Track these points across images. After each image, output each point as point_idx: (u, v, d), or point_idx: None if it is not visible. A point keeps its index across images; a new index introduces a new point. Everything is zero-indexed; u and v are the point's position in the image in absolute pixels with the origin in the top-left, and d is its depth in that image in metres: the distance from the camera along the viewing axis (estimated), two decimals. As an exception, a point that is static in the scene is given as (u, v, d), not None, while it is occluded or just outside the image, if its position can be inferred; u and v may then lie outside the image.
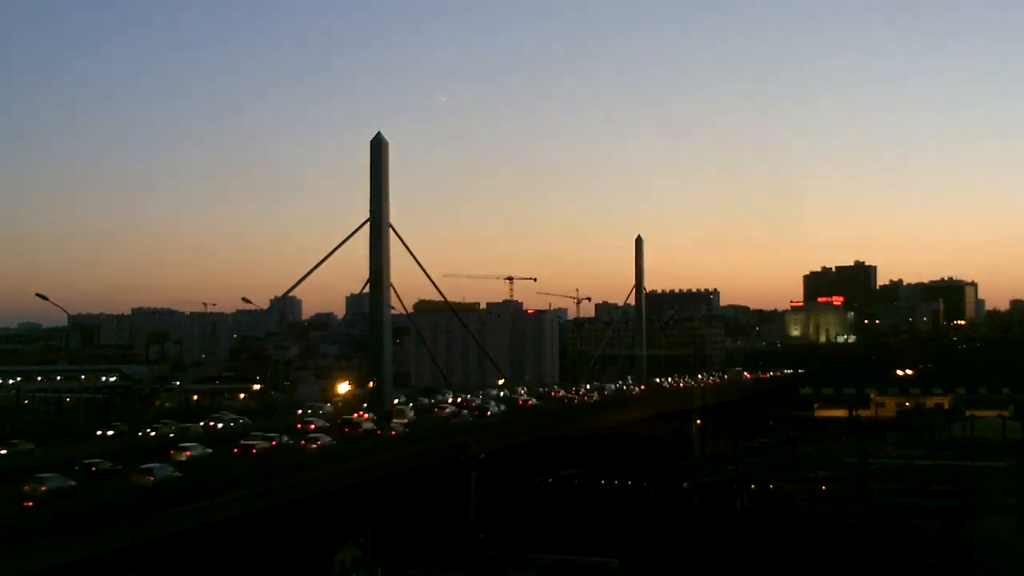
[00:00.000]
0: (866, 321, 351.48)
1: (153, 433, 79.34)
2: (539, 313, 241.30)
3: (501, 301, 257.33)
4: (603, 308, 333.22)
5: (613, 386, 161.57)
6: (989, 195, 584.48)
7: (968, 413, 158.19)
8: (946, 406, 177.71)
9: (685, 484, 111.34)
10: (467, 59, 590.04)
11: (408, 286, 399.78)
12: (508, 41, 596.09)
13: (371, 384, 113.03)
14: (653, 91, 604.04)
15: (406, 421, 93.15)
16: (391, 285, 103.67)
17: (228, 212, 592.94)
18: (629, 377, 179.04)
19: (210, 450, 66.61)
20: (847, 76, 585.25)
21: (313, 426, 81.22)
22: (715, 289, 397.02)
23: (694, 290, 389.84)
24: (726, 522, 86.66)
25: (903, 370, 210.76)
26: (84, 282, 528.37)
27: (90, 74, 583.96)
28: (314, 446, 71.48)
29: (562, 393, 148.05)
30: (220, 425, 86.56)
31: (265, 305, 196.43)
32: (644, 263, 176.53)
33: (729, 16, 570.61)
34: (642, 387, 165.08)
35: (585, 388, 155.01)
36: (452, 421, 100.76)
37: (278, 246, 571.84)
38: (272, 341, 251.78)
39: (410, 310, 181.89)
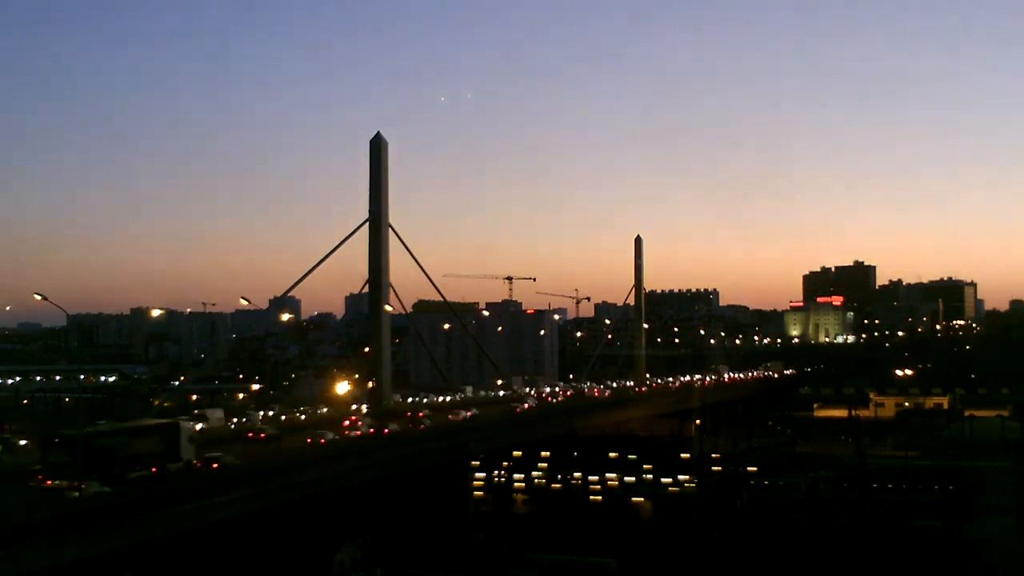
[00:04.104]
0: (866, 321, 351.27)
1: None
2: (539, 313, 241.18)
3: (501, 301, 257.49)
4: (603, 308, 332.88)
5: (612, 384, 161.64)
6: (989, 195, 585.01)
7: (967, 413, 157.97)
8: (945, 406, 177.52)
9: (685, 484, 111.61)
10: (467, 59, 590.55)
11: (407, 286, 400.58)
12: (508, 41, 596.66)
13: (370, 384, 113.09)
14: (653, 91, 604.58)
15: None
16: (390, 285, 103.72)
17: (228, 212, 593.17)
18: (628, 380, 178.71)
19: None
20: (847, 76, 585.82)
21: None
22: (715, 289, 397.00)
23: (694, 290, 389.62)
24: (726, 522, 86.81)
25: (902, 370, 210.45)
26: (83, 282, 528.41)
27: (90, 74, 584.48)
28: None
29: (561, 391, 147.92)
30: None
31: (265, 305, 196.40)
32: (644, 263, 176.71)
33: (729, 17, 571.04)
34: (642, 388, 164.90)
35: (584, 387, 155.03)
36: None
37: (278, 246, 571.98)
38: (271, 341, 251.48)
39: (409, 310, 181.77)
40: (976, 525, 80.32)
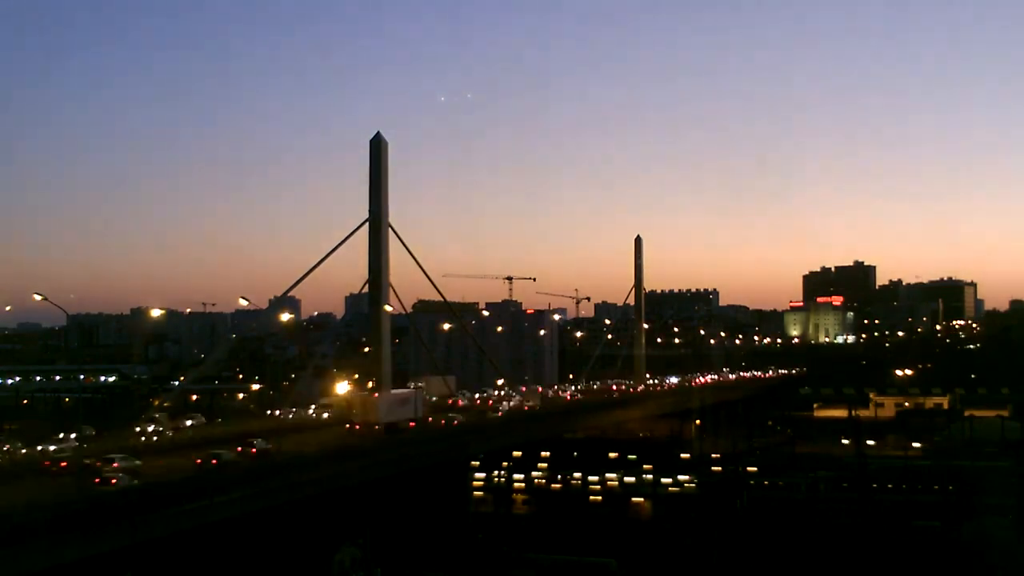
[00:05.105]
0: (866, 321, 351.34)
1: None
2: (539, 313, 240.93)
3: (501, 301, 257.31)
4: (602, 308, 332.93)
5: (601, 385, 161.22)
6: (989, 195, 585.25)
7: (967, 413, 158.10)
8: (945, 406, 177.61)
9: (685, 484, 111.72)
10: (467, 59, 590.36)
11: (407, 286, 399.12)
12: (508, 41, 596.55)
13: (370, 384, 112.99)
14: (653, 91, 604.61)
15: None
16: (390, 285, 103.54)
17: (228, 212, 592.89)
18: (616, 378, 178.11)
19: None
20: (847, 76, 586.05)
21: None
22: (715, 289, 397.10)
23: (694, 290, 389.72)
24: (726, 522, 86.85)
25: (902, 370, 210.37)
26: (84, 282, 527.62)
27: (90, 73, 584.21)
28: None
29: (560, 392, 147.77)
30: None
31: (265, 305, 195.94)
32: (644, 263, 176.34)
33: (729, 17, 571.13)
34: (640, 388, 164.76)
35: (583, 387, 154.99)
36: None
37: (278, 246, 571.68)
38: (271, 341, 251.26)
39: (409, 310, 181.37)
40: (976, 525, 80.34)
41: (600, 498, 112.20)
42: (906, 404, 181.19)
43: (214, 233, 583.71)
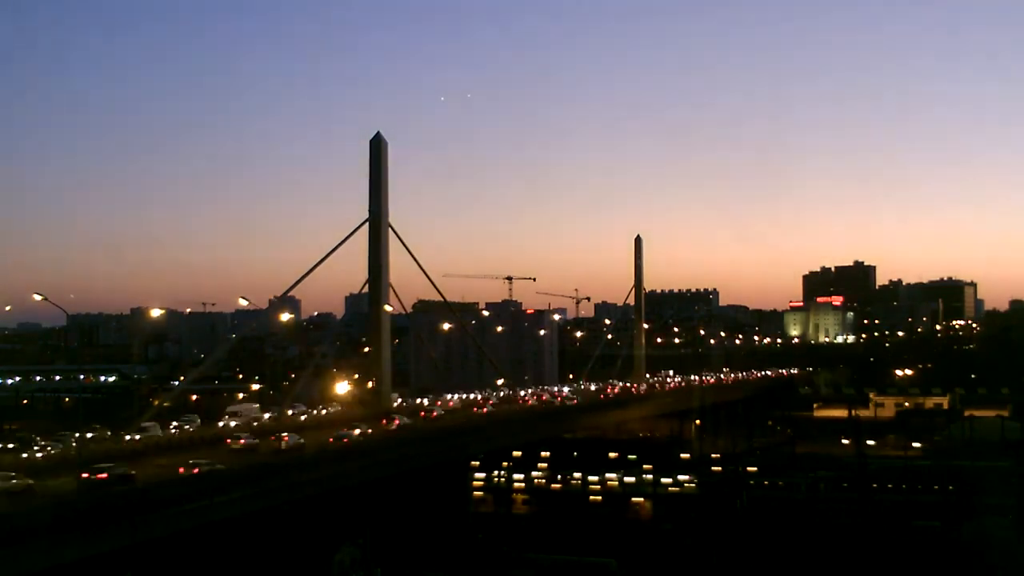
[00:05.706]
0: (865, 321, 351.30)
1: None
2: (539, 313, 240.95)
3: (500, 301, 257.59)
4: (602, 308, 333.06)
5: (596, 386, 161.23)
6: (989, 195, 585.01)
7: (967, 413, 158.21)
8: (945, 406, 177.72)
9: (685, 484, 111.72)
10: (467, 59, 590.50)
11: (407, 286, 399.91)
12: (508, 41, 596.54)
13: (370, 384, 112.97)
14: (653, 91, 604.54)
15: None
16: (390, 285, 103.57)
17: (228, 212, 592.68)
18: (616, 378, 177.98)
19: None
20: (846, 76, 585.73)
21: None
22: (714, 289, 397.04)
23: (694, 290, 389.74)
24: (726, 522, 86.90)
25: (902, 370, 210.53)
26: (84, 282, 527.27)
27: (90, 74, 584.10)
28: None
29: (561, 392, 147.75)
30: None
31: (265, 305, 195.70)
32: (644, 263, 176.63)
33: (729, 17, 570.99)
34: (641, 387, 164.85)
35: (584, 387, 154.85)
36: None
37: (278, 246, 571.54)
38: (271, 341, 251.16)
39: (409, 310, 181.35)
40: (976, 525, 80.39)
41: (600, 498, 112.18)
42: (906, 404, 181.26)
43: (214, 233, 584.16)
